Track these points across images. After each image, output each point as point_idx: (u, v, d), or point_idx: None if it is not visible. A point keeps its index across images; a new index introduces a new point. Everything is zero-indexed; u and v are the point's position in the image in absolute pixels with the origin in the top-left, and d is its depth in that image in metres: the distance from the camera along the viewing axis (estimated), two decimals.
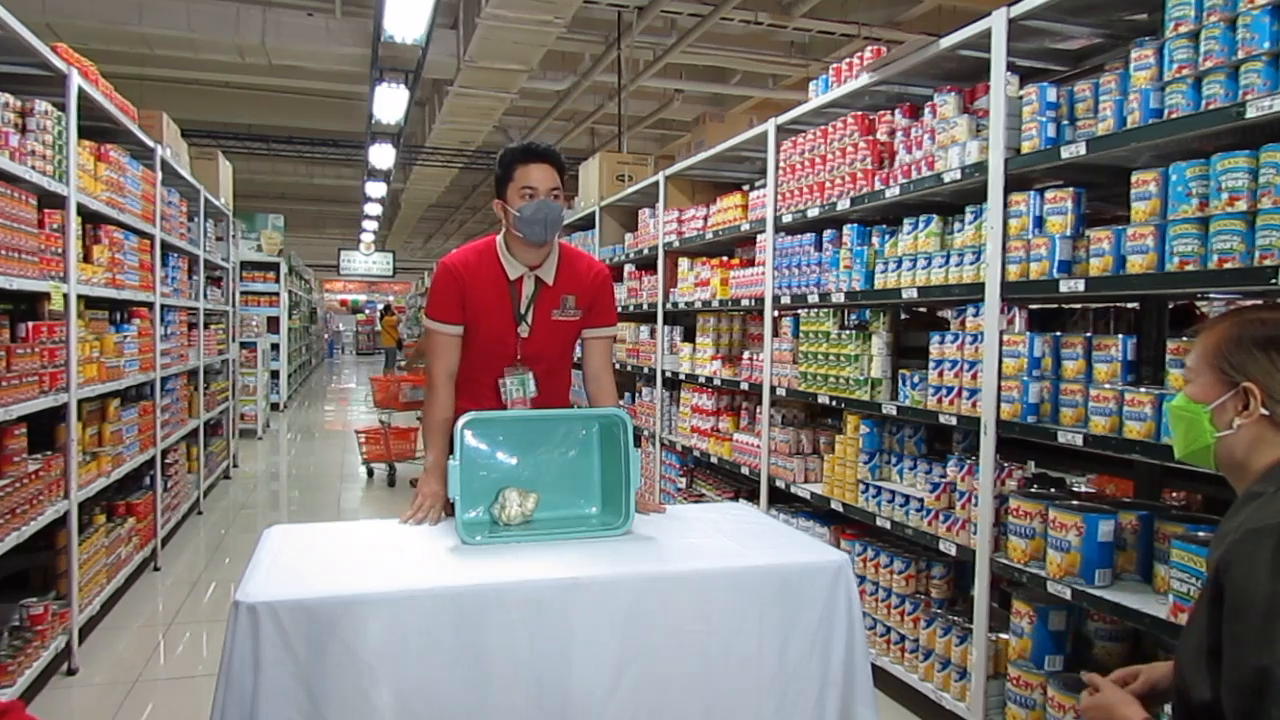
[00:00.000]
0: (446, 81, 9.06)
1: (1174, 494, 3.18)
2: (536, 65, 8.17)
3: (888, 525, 3.24)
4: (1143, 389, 2.27)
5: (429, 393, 2.51)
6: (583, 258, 2.64)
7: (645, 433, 5.68)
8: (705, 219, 4.87)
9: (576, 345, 2.68)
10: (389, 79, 8.27)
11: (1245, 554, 1.22)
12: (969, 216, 2.94)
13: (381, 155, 11.57)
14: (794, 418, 4.19)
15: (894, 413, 3.23)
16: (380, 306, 30.51)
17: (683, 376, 5.12)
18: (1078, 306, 3.57)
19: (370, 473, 8.09)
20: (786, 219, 3.95)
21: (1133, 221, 2.31)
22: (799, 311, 3.95)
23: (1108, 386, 2.37)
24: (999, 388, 2.69)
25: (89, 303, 3.98)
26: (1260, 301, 2.36)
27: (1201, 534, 2.14)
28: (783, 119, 4.02)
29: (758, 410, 4.30)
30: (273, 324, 11.69)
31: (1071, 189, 2.57)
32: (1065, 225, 2.55)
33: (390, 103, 8.83)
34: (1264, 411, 1.36)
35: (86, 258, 3.83)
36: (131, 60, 8.81)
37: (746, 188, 4.92)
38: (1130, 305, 3.36)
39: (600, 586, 1.78)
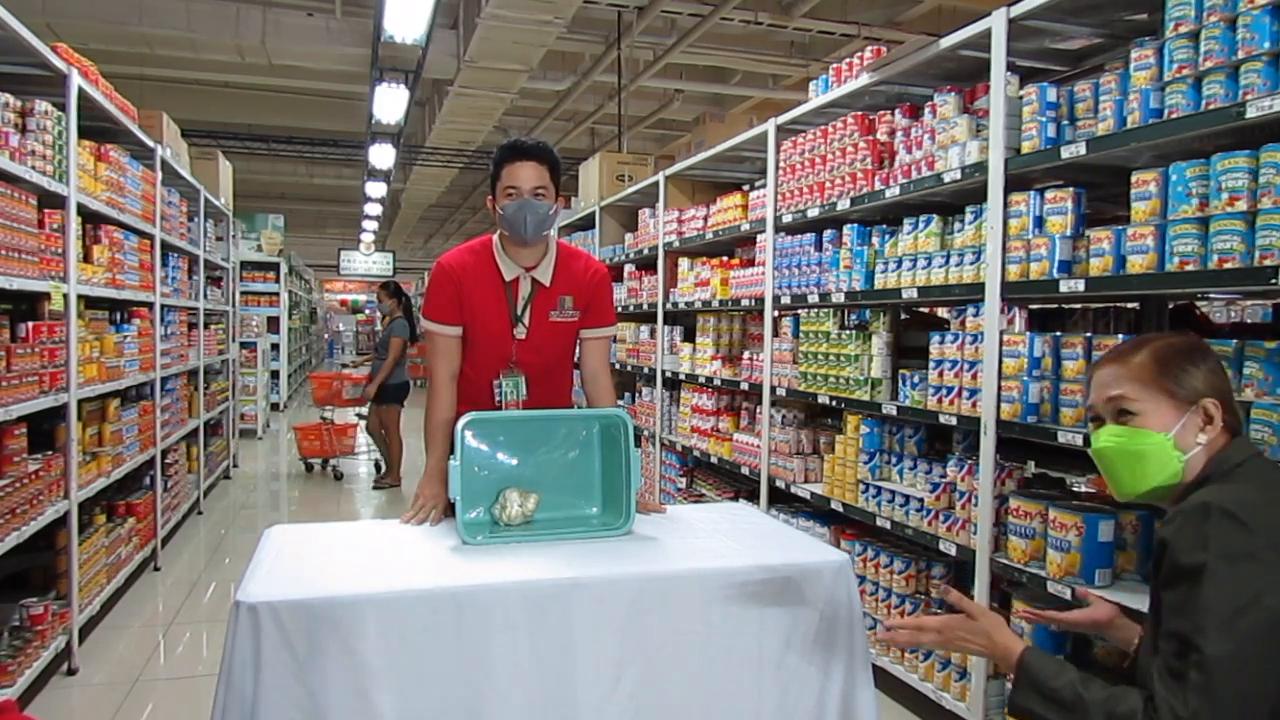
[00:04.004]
0: (446, 81, 9.05)
1: None
2: (536, 65, 8.17)
3: (888, 525, 3.24)
4: None
5: (430, 394, 2.50)
6: (580, 257, 2.60)
7: (645, 433, 5.68)
8: (705, 219, 4.87)
9: (576, 345, 2.67)
10: (389, 79, 8.26)
11: (1174, 531, 1.31)
12: (969, 216, 2.94)
13: (381, 155, 11.57)
14: (794, 418, 4.19)
15: (894, 413, 3.23)
16: None
17: (683, 376, 5.12)
18: (1078, 306, 3.57)
19: (309, 468, 8.33)
20: (786, 219, 3.95)
21: (1133, 221, 2.31)
22: (799, 311, 3.95)
23: None
24: (999, 388, 2.69)
25: (89, 303, 3.98)
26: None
27: None
28: (783, 119, 4.02)
29: (758, 410, 4.30)
30: (273, 324, 11.70)
31: (1071, 189, 2.57)
32: (1065, 225, 2.55)
33: (390, 103, 8.83)
34: (1224, 421, 1.41)
35: (86, 258, 3.83)
36: (131, 60, 8.80)
37: (746, 188, 4.92)
38: (1130, 305, 3.36)
39: (601, 586, 1.78)
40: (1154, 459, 1.42)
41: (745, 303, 4.33)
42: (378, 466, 8.18)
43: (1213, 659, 1.20)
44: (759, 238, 4.21)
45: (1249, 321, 4.96)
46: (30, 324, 3.19)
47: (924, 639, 1.57)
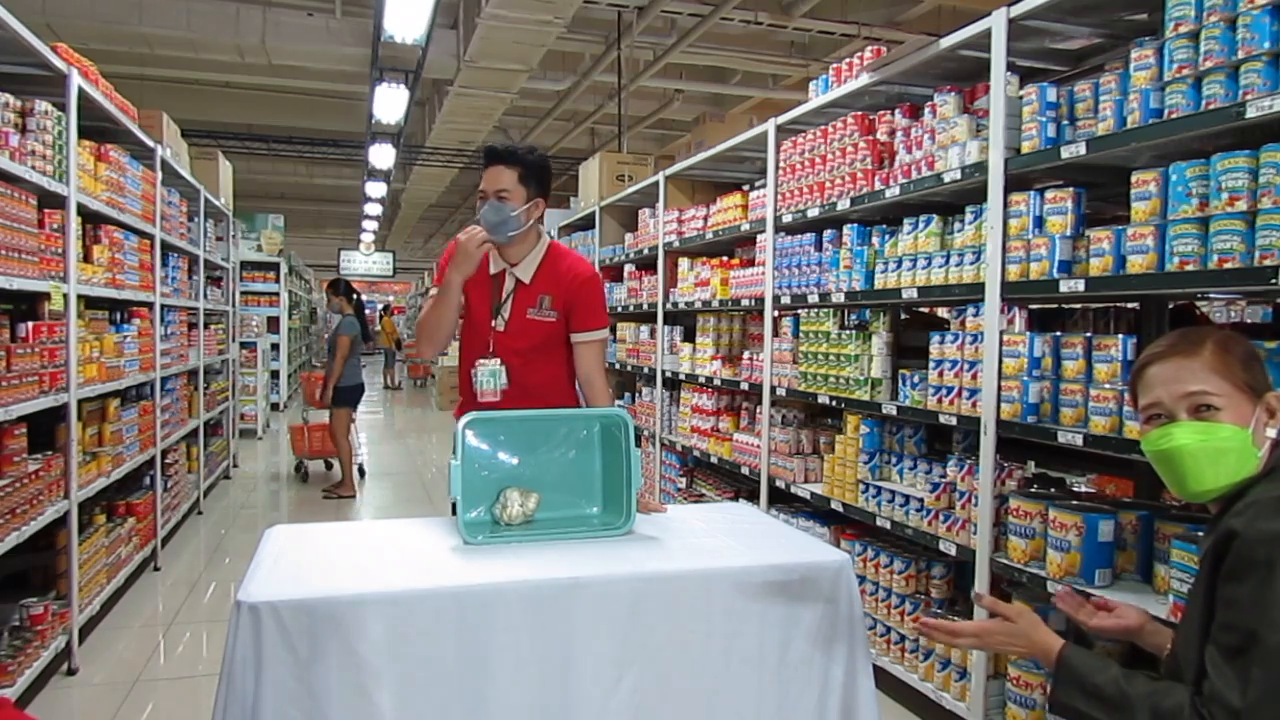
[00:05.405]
0: (446, 81, 9.05)
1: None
2: (536, 65, 8.17)
3: (888, 525, 3.25)
4: None
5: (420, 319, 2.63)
6: (567, 258, 2.63)
7: (645, 433, 5.68)
8: (705, 219, 4.87)
9: (564, 341, 2.67)
10: (389, 79, 8.27)
11: (1247, 522, 1.26)
12: (969, 216, 2.95)
13: (381, 155, 11.57)
14: (794, 418, 4.19)
15: (894, 413, 3.23)
16: (380, 306, 30.48)
17: (683, 376, 5.12)
18: (1078, 306, 3.57)
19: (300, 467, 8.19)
20: (786, 219, 3.95)
21: (1133, 221, 2.31)
22: (799, 311, 3.95)
23: (1108, 386, 2.37)
24: (999, 388, 2.69)
25: (89, 303, 3.98)
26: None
27: (1201, 534, 2.14)
28: (783, 119, 4.02)
29: (758, 410, 4.30)
30: (273, 324, 11.69)
31: (1071, 189, 2.57)
32: (1065, 225, 2.55)
33: (390, 103, 8.83)
34: None
35: (86, 258, 3.83)
36: (131, 60, 8.80)
37: (746, 188, 4.92)
38: (1130, 305, 3.36)
39: (602, 586, 1.78)
40: (1236, 455, 1.35)
41: (745, 303, 4.33)
42: (328, 465, 7.92)
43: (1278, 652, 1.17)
44: (759, 238, 4.21)
45: (1249, 321, 4.96)
46: (30, 324, 3.19)
47: (960, 643, 1.58)
